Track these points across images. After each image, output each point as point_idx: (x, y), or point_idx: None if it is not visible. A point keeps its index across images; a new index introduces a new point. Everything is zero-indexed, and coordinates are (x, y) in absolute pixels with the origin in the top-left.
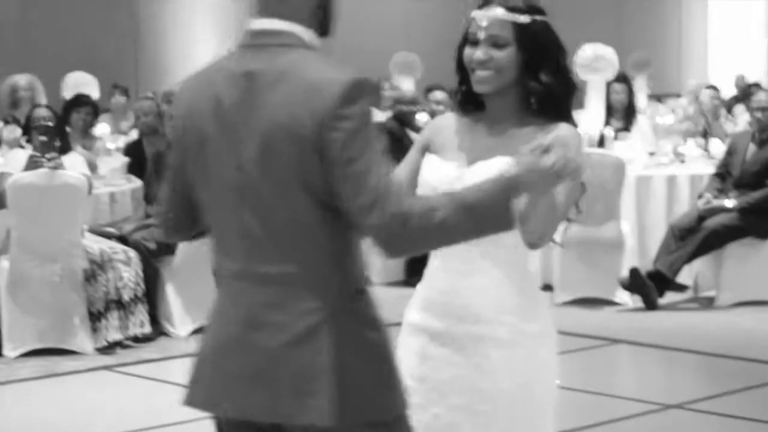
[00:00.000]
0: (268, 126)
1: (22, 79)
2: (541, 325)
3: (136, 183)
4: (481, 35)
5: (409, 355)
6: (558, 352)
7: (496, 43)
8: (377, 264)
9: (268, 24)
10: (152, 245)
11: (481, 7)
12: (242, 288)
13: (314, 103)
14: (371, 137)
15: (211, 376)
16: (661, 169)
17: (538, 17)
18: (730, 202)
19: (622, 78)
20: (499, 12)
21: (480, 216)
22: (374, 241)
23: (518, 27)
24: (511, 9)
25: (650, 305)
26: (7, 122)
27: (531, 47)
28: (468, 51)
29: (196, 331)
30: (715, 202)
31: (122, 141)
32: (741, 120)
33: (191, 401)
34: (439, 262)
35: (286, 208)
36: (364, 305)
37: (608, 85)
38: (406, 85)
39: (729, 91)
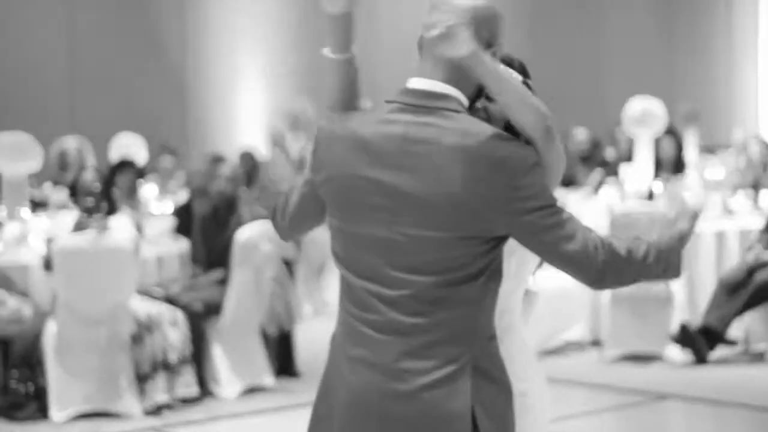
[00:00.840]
0: (432, 190)
1: (71, 142)
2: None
3: (183, 244)
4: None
5: None
6: (608, 408)
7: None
8: None
9: (431, 86)
10: (199, 306)
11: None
12: (384, 339)
13: (497, 178)
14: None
15: (340, 416)
16: (710, 222)
17: (528, 80)
18: None
19: (671, 131)
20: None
21: (666, 260)
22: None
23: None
24: (510, 65)
25: (700, 360)
26: (56, 184)
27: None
28: None
29: (244, 392)
30: (765, 256)
31: (169, 202)
32: None
33: None
34: None
35: (439, 262)
36: (496, 349)
37: (657, 139)
38: None
39: None
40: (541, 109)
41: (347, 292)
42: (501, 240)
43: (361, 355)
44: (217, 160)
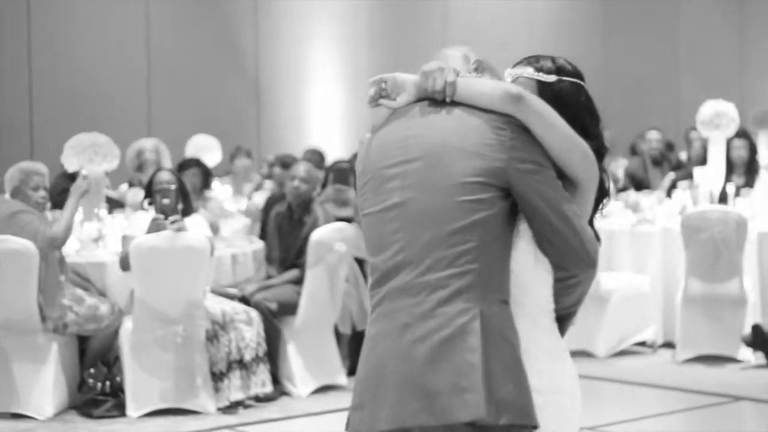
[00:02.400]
0: (444, 144)
1: (148, 143)
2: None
3: (258, 244)
4: None
5: None
6: (680, 410)
7: None
8: None
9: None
10: (274, 305)
11: (517, 63)
12: (396, 305)
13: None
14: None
15: (370, 397)
16: None
17: (567, 78)
18: None
19: (743, 134)
20: (524, 70)
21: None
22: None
23: (540, 85)
24: (540, 68)
25: None
26: (132, 185)
27: (552, 106)
28: None
29: (317, 391)
30: None
31: (243, 203)
32: None
33: (355, 427)
34: None
35: (451, 223)
36: (508, 315)
37: (729, 141)
38: None
39: None
40: (496, 86)
41: (373, 276)
42: (503, 195)
43: (379, 329)
44: (289, 161)
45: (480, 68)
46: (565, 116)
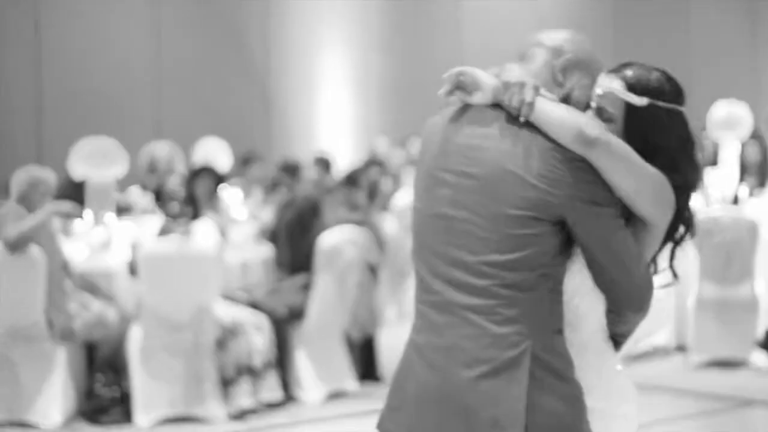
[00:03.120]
0: (504, 168)
1: (161, 147)
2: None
3: (267, 249)
4: (593, 102)
5: None
6: (692, 414)
7: (602, 115)
8: None
9: None
10: (283, 311)
11: (613, 70)
12: (448, 320)
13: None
14: None
15: (408, 405)
16: None
17: (662, 103)
18: None
19: (756, 135)
20: (615, 86)
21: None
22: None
23: (629, 107)
24: (633, 86)
25: None
26: (144, 188)
27: (636, 133)
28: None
29: (327, 397)
30: None
31: (257, 208)
32: None
33: (385, 427)
34: None
35: (508, 247)
36: (562, 346)
37: (742, 143)
38: None
39: None
40: (572, 121)
41: (417, 280)
42: (558, 229)
43: (426, 341)
44: (294, 166)
45: (568, 70)
46: (650, 146)
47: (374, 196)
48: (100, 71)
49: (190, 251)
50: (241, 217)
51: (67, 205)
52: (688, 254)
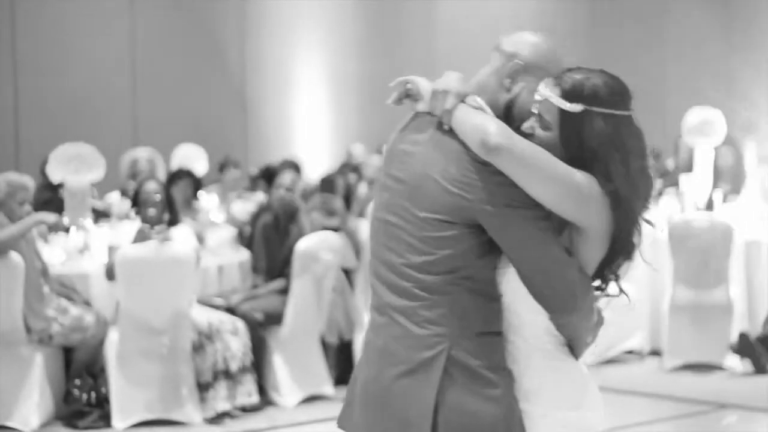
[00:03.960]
0: (426, 174)
1: (143, 153)
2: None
3: (244, 254)
4: (534, 108)
5: None
6: (667, 417)
7: (541, 123)
8: None
9: None
10: (260, 316)
11: (556, 76)
12: (379, 316)
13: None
14: None
15: (355, 402)
16: None
17: (597, 109)
18: None
19: (730, 141)
20: (550, 93)
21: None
22: None
23: (563, 114)
24: (567, 93)
25: (760, 370)
26: (124, 194)
27: (571, 139)
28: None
29: (304, 401)
30: None
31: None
32: None
33: (340, 424)
34: None
35: (431, 251)
36: (487, 347)
37: (716, 149)
38: None
39: None
40: (479, 129)
41: (370, 279)
42: (476, 232)
43: (368, 340)
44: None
45: (515, 75)
46: (586, 152)
47: (350, 202)
48: (77, 78)
49: (167, 256)
50: (218, 222)
51: (51, 217)
52: (663, 259)
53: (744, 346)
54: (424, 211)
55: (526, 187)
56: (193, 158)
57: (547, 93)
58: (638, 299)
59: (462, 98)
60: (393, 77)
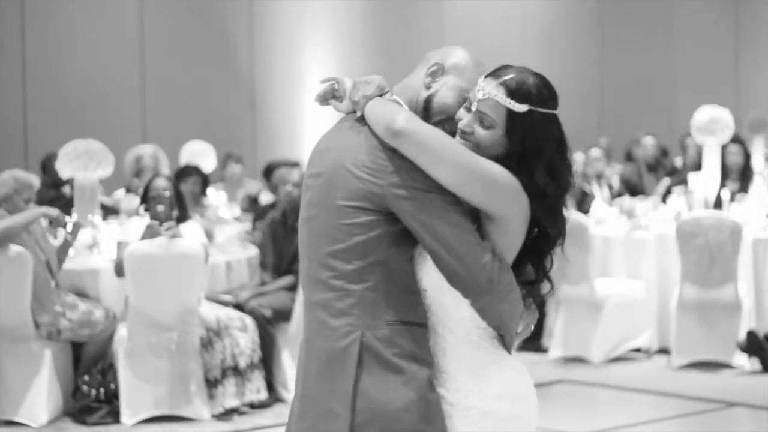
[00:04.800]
0: (340, 163)
1: (147, 149)
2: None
3: (252, 250)
4: (473, 106)
5: None
6: (675, 416)
7: (482, 121)
8: None
9: None
10: (268, 312)
11: (491, 73)
12: (306, 313)
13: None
14: None
15: (295, 397)
16: None
17: (540, 110)
18: None
19: (738, 140)
20: (496, 92)
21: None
22: None
23: (510, 114)
24: (513, 92)
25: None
26: (129, 191)
27: (519, 140)
28: (461, 112)
29: None
30: None
31: (237, 210)
32: None
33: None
34: None
35: (336, 241)
36: (401, 336)
37: (724, 147)
38: None
39: None
40: (387, 115)
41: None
42: (389, 219)
43: (302, 338)
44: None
45: (436, 73)
46: (530, 150)
47: None
48: (86, 75)
49: (176, 252)
50: (226, 219)
51: (54, 211)
52: (671, 256)
53: (752, 344)
54: (339, 200)
55: (430, 171)
56: (201, 155)
57: (492, 92)
58: (646, 297)
59: (381, 90)
60: (402, 75)
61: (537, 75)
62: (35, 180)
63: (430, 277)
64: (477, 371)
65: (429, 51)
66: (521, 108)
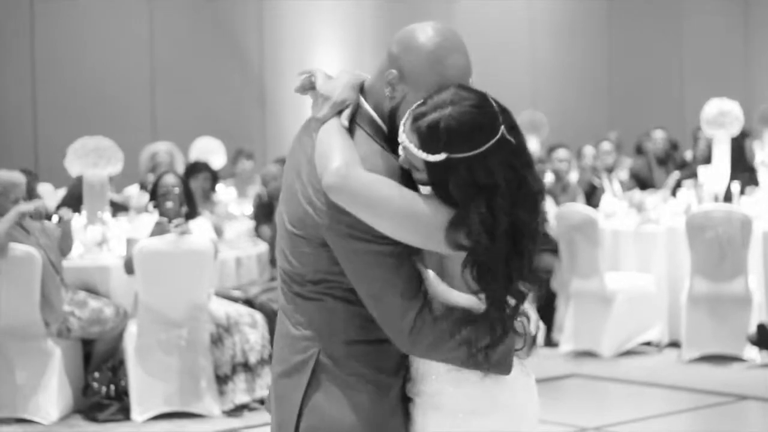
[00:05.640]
0: (294, 185)
1: (162, 146)
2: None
3: (262, 246)
4: (400, 152)
5: None
6: (686, 409)
7: (411, 166)
8: None
9: None
10: (278, 307)
11: (416, 109)
12: (278, 318)
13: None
14: None
15: None
16: None
17: (458, 155)
18: None
19: (749, 133)
20: (410, 141)
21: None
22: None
23: (428, 164)
24: (425, 140)
25: None
26: (143, 187)
27: (444, 190)
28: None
29: None
30: None
31: (247, 206)
32: None
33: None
34: None
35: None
36: (358, 355)
37: (734, 140)
38: (533, 145)
39: None
40: (324, 158)
41: None
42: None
43: None
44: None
45: (394, 84)
46: (462, 197)
47: None
48: (96, 72)
49: (186, 249)
50: (236, 215)
51: (28, 206)
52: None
53: (762, 337)
54: (289, 224)
55: (371, 224)
56: (211, 151)
57: (406, 142)
58: (656, 291)
59: (339, 108)
60: None
61: (460, 106)
62: (20, 177)
63: None
64: (449, 386)
65: (397, 33)
66: (435, 158)
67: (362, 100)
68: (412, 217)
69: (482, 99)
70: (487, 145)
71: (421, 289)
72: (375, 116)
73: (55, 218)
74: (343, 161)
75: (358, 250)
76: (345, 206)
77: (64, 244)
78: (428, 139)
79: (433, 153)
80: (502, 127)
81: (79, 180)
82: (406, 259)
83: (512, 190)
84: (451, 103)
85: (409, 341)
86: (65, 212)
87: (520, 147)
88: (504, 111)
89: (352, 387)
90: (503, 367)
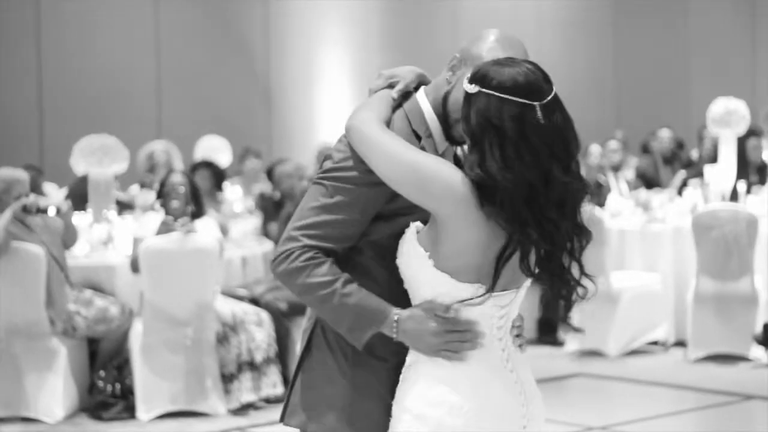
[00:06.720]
0: None
1: (158, 145)
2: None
3: (268, 245)
4: None
5: None
6: (692, 408)
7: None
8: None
9: None
10: (284, 306)
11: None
12: None
13: None
14: None
15: None
16: None
17: (488, 91)
18: None
19: (755, 132)
20: (464, 81)
21: (351, 324)
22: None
23: (465, 95)
24: (474, 75)
25: None
26: (143, 186)
27: (465, 119)
28: None
29: None
30: None
31: (252, 204)
32: None
33: None
34: None
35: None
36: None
37: (740, 139)
38: None
39: None
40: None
41: None
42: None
43: None
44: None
45: (455, 67)
46: (476, 135)
47: None
48: (101, 70)
49: (191, 247)
50: (242, 214)
51: (19, 202)
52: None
53: None
54: None
55: (370, 166)
56: (217, 150)
57: (465, 81)
58: (662, 290)
59: (390, 82)
60: None
61: (525, 66)
62: (23, 174)
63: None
64: (421, 376)
65: (443, 46)
66: (471, 88)
67: (417, 92)
68: (410, 163)
69: (544, 80)
70: (514, 98)
71: (321, 250)
72: (423, 106)
73: (52, 210)
74: (371, 114)
75: (310, 189)
76: (355, 146)
77: (68, 236)
78: (475, 73)
79: (471, 83)
80: (539, 105)
81: (81, 179)
82: (350, 226)
83: (524, 156)
84: (521, 62)
85: (272, 264)
86: (63, 203)
87: (544, 131)
88: (553, 103)
89: (339, 364)
90: (354, 336)
